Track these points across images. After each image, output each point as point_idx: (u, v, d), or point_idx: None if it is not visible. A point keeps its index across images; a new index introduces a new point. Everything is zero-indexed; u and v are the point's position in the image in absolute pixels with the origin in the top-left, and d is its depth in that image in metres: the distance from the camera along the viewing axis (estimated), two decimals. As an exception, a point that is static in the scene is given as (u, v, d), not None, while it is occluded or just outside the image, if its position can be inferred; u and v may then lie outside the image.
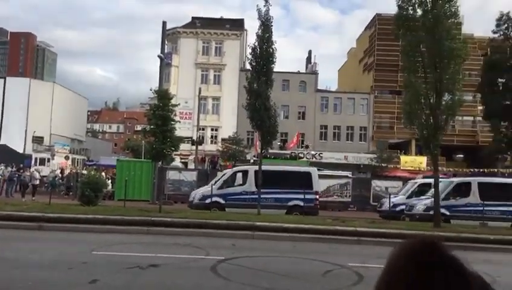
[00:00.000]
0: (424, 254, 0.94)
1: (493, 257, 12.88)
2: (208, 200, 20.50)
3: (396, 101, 41.37)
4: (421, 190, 22.90)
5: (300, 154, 40.78)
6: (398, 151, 45.10)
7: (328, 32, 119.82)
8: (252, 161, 30.17)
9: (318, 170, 32.25)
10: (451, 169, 41.27)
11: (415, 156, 43.42)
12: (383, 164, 41.07)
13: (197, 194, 21.70)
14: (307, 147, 43.72)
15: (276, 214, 17.96)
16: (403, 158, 43.98)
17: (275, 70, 20.33)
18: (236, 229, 14.12)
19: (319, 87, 49.80)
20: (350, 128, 47.67)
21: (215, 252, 10.59)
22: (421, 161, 40.93)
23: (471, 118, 43.62)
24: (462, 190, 20.72)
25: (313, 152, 43.28)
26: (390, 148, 44.74)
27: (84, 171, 27.64)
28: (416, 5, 17.43)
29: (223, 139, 44.23)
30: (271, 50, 18.87)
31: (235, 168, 24.18)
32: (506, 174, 31.17)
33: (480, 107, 25.07)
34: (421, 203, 21.06)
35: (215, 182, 21.50)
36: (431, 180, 24.04)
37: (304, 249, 12.60)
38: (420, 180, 25.40)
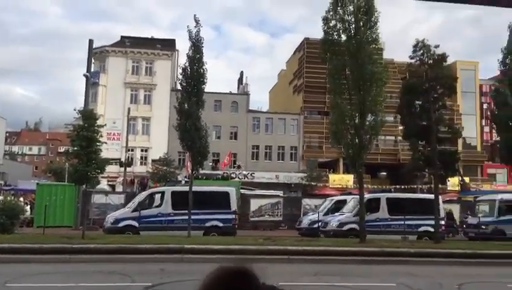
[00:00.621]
0: (235, 280, 1.01)
1: (414, 269, 13.51)
2: (122, 224, 19.65)
3: (325, 122, 42.83)
4: (337, 207, 23.63)
5: (232, 175, 40.78)
6: (327, 170, 46.54)
7: (259, 54, 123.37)
8: (183, 181, 29.63)
9: (250, 190, 32.52)
10: (375, 186, 43.26)
11: (343, 174, 45.00)
12: (312, 183, 42.14)
13: (109, 217, 20.64)
14: (238, 167, 43.86)
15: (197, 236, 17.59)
16: (332, 176, 45.43)
17: (206, 90, 20.26)
18: (165, 253, 13.69)
19: (250, 108, 50.44)
20: (281, 148, 48.55)
21: (142, 278, 10.17)
22: (348, 179, 42.49)
23: (393, 138, 46.13)
24: (372, 205, 21.47)
25: (244, 172, 43.47)
26: (320, 167, 46.06)
27: (0, 197, 25.65)
28: (341, 31, 18.31)
29: (153, 160, 43.19)
30: (202, 70, 18.85)
31: (151, 190, 23.38)
32: (425, 190, 33.20)
33: (400, 127, 26.58)
34: (335, 220, 21.77)
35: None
36: (346, 197, 24.90)
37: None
38: (336, 198, 26.23)
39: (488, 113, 36.50)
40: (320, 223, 21.87)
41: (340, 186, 43.10)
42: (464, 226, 25.38)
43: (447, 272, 13.19)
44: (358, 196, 21.01)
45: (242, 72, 61.59)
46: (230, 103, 49.22)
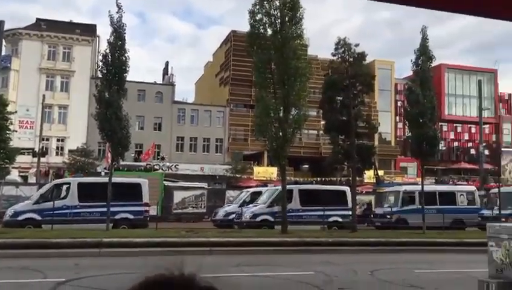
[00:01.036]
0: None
1: (332, 258, 14.11)
2: (22, 217, 18.46)
3: (250, 115, 43.22)
4: (253, 198, 23.94)
5: (155, 166, 39.88)
6: (252, 162, 47.10)
7: (184, 45, 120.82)
8: (102, 173, 28.46)
9: (173, 181, 32.07)
10: (298, 178, 44.56)
11: (267, 166, 45.80)
12: (237, 175, 42.42)
13: (9, 210, 19.24)
14: (162, 158, 42.98)
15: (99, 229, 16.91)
16: (256, 169, 46.06)
17: (129, 79, 19.54)
18: (81, 247, 13.10)
19: (176, 99, 49.59)
20: (206, 140, 48.31)
21: (55, 274, 9.64)
22: (272, 172, 43.33)
23: (316, 132, 47.73)
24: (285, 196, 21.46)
25: (168, 164, 42.71)
26: (245, 160, 46.46)
27: None
28: (267, 25, 18.54)
29: (70, 151, 40.93)
30: (124, 58, 18.14)
31: (55, 181, 22.14)
32: (344, 182, 34.75)
33: (322, 122, 27.59)
34: (249, 211, 21.91)
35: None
36: (262, 189, 25.44)
37: (155, 263, 12.22)
38: (252, 189, 26.70)
39: (402, 110, 38.91)
40: (234, 215, 22.01)
41: (265, 178, 43.83)
42: (372, 216, 27.02)
43: (362, 260, 13.94)
44: (273, 188, 21.56)
45: (167, 62, 60.59)
46: (154, 93, 48.00)
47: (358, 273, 11.49)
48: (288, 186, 21.77)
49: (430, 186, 28.89)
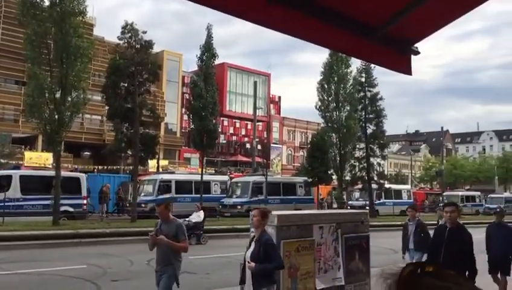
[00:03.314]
0: None
1: (109, 249, 13.66)
2: None
3: (23, 93, 38.32)
4: None
5: None
6: (23, 146, 41.90)
7: None
8: None
9: None
10: (77, 166, 41.68)
11: (42, 152, 41.44)
12: (3, 160, 37.12)
13: None
14: None
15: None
16: (28, 154, 41.04)
17: None
18: None
19: None
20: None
21: None
22: (48, 157, 39.34)
23: (100, 118, 45.38)
24: (2, 184, 19.66)
25: None
26: (14, 143, 41.02)
27: None
28: (43, -4, 16.61)
29: None
30: None
31: None
32: (128, 171, 34.10)
33: (107, 108, 26.33)
34: None
35: None
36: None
37: None
38: None
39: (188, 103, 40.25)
40: None
41: (38, 164, 39.51)
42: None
43: (141, 249, 13.86)
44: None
45: None
46: None
47: (134, 263, 11.41)
48: (5, 172, 20.47)
49: (187, 176, 29.41)
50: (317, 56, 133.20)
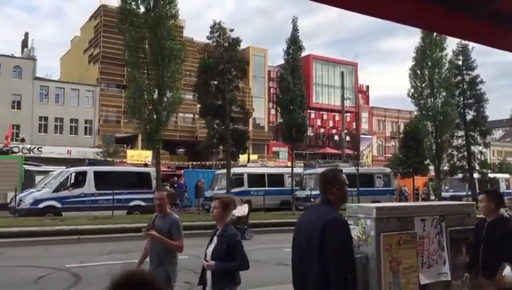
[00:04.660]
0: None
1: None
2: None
3: (123, 95, 41.32)
4: (79, 180, 21.00)
5: (14, 149, 36.03)
6: (125, 145, 45.22)
7: (45, 16, 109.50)
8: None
9: (36, 165, 29.32)
10: (173, 162, 44.07)
11: (141, 150, 44.40)
12: (109, 159, 40.38)
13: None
14: (22, 140, 38.96)
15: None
16: (130, 152, 44.33)
17: (-22, 50, 17.19)
18: None
19: (37, 75, 45.06)
20: (74, 121, 44.98)
21: None
22: (147, 155, 42.14)
23: (192, 115, 47.49)
24: (79, 179, 20.45)
25: (29, 146, 38.93)
26: (117, 143, 44.42)
27: None
28: (139, 2, 17.72)
29: None
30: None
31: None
32: (220, 166, 35.30)
33: (198, 106, 27.51)
34: (30, 197, 19.10)
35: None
36: (87, 168, 21.62)
37: (15, 255, 11.13)
38: (74, 169, 21.94)
39: (274, 97, 40.59)
40: (16, 201, 18.64)
41: (138, 162, 42.48)
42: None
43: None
44: (66, 169, 20.78)
45: (27, 33, 54.27)
46: (12, 68, 42.99)
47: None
48: (80, 168, 21.10)
49: (259, 169, 29.48)
50: (406, 41, 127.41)
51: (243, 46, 26.23)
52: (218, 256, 4.01)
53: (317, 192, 24.29)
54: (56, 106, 44.16)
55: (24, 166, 26.59)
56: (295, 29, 23.63)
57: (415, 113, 32.66)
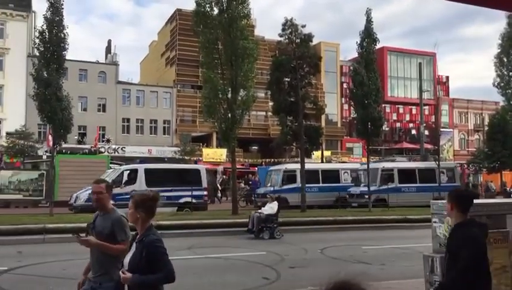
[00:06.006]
0: None
1: (284, 237, 14.29)
2: None
3: (198, 96, 42.67)
4: (131, 178, 21.38)
5: (101, 149, 38.59)
6: (201, 144, 46.71)
7: (124, 23, 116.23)
8: (44, 156, 27.20)
9: (120, 165, 31.16)
10: (247, 160, 44.77)
11: (216, 148, 45.60)
12: (186, 157, 41.94)
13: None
14: (108, 141, 41.64)
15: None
16: (205, 150, 45.74)
17: (69, 58, 18.59)
18: (23, 233, 12.54)
19: (120, 79, 47.92)
20: (153, 121, 47.28)
21: (-5, 263, 9.14)
22: (222, 153, 43.21)
23: (264, 113, 47.96)
24: (131, 176, 20.77)
25: (114, 146, 41.50)
26: (193, 141, 45.98)
27: None
28: (213, 4, 18.16)
29: (8, 133, 38.67)
30: (62, 35, 17.19)
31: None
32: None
33: (271, 103, 27.72)
34: (85, 194, 19.18)
35: None
36: (139, 166, 22.13)
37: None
38: (124, 167, 22.91)
39: (347, 92, 39.80)
40: (73, 198, 19.82)
41: (214, 160, 43.69)
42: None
43: (312, 238, 14.26)
44: (119, 167, 21.12)
45: (110, 40, 58.17)
46: (97, 73, 46.10)
47: (308, 251, 11.75)
48: (132, 166, 21.46)
49: (313, 165, 28.69)
50: (488, 27, 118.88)
51: (314, 41, 25.99)
52: (137, 266, 3.12)
53: (372, 188, 23.39)
54: (137, 107, 46.67)
55: (110, 165, 28.39)
56: (369, 21, 22.92)
57: (502, 103, 30.49)
